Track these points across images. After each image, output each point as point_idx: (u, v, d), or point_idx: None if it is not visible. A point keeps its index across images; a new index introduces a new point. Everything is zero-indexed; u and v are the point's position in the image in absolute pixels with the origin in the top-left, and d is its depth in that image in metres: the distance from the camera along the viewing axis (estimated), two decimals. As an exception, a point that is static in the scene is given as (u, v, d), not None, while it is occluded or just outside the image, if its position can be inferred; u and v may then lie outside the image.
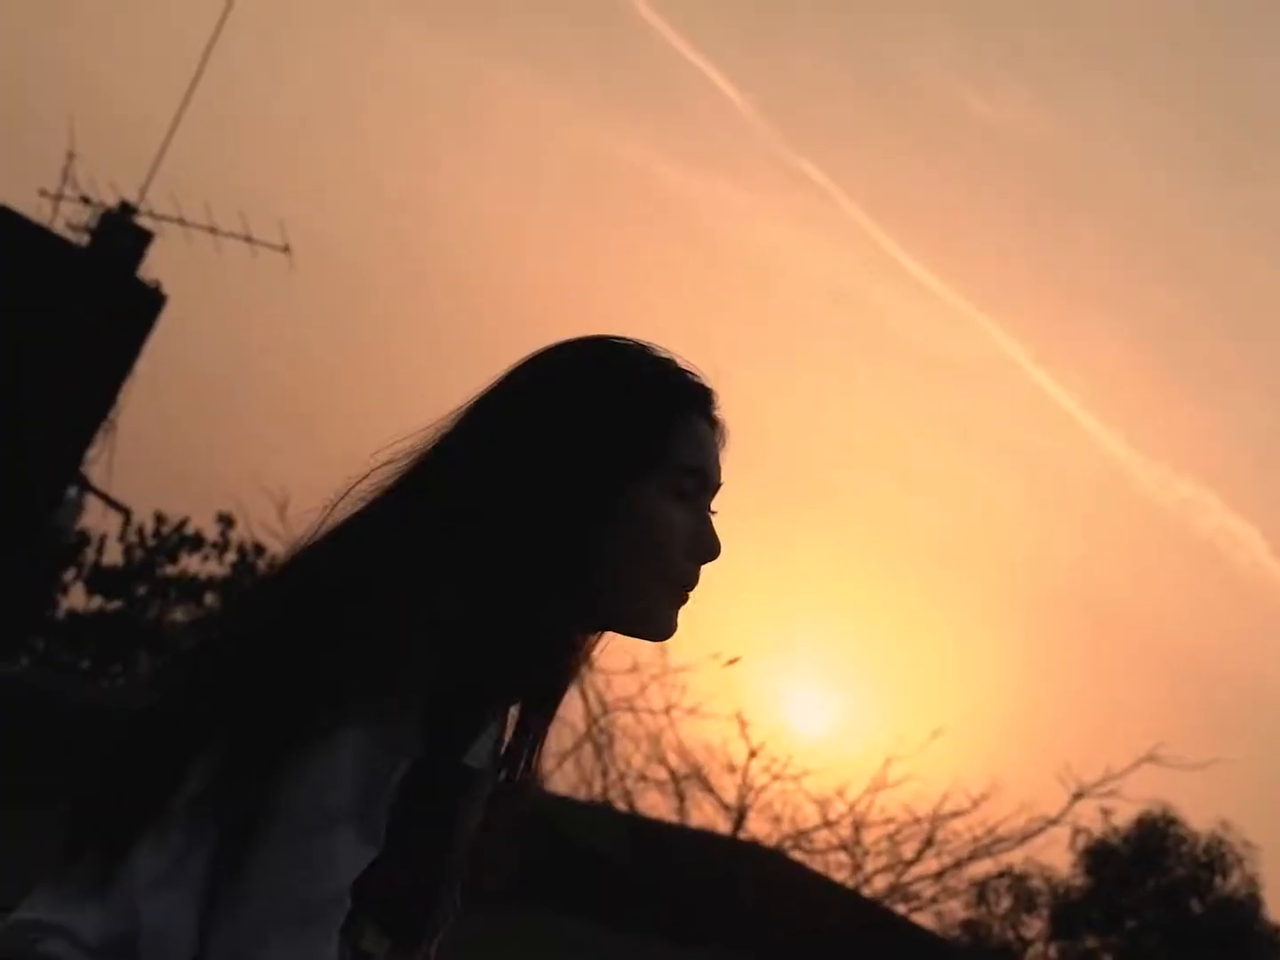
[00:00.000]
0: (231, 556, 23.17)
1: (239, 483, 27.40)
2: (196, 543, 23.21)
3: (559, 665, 1.95)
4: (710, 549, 1.92)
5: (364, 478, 1.92)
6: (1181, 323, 29.57)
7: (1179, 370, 29.78)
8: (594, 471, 1.86)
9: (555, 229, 28.56)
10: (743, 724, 22.09)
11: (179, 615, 23.11)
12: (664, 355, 1.95)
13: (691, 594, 1.93)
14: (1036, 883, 22.85)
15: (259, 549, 23.06)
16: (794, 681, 24.36)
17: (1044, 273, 29.40)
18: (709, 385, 1.97)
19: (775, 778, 22.72)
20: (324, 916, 1.70)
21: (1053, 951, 22.82)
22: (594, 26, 28.17)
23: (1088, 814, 22.99)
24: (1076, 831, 22.76)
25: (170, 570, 23.10)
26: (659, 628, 1.92)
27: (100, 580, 22.77)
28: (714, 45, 29.02)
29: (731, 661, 19.72)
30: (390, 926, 1.81)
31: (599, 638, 1.96)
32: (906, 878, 23.03)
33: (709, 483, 1.94)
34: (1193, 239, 28.68)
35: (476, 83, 27.40)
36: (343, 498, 1.91)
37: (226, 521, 23.21)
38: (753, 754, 22.12)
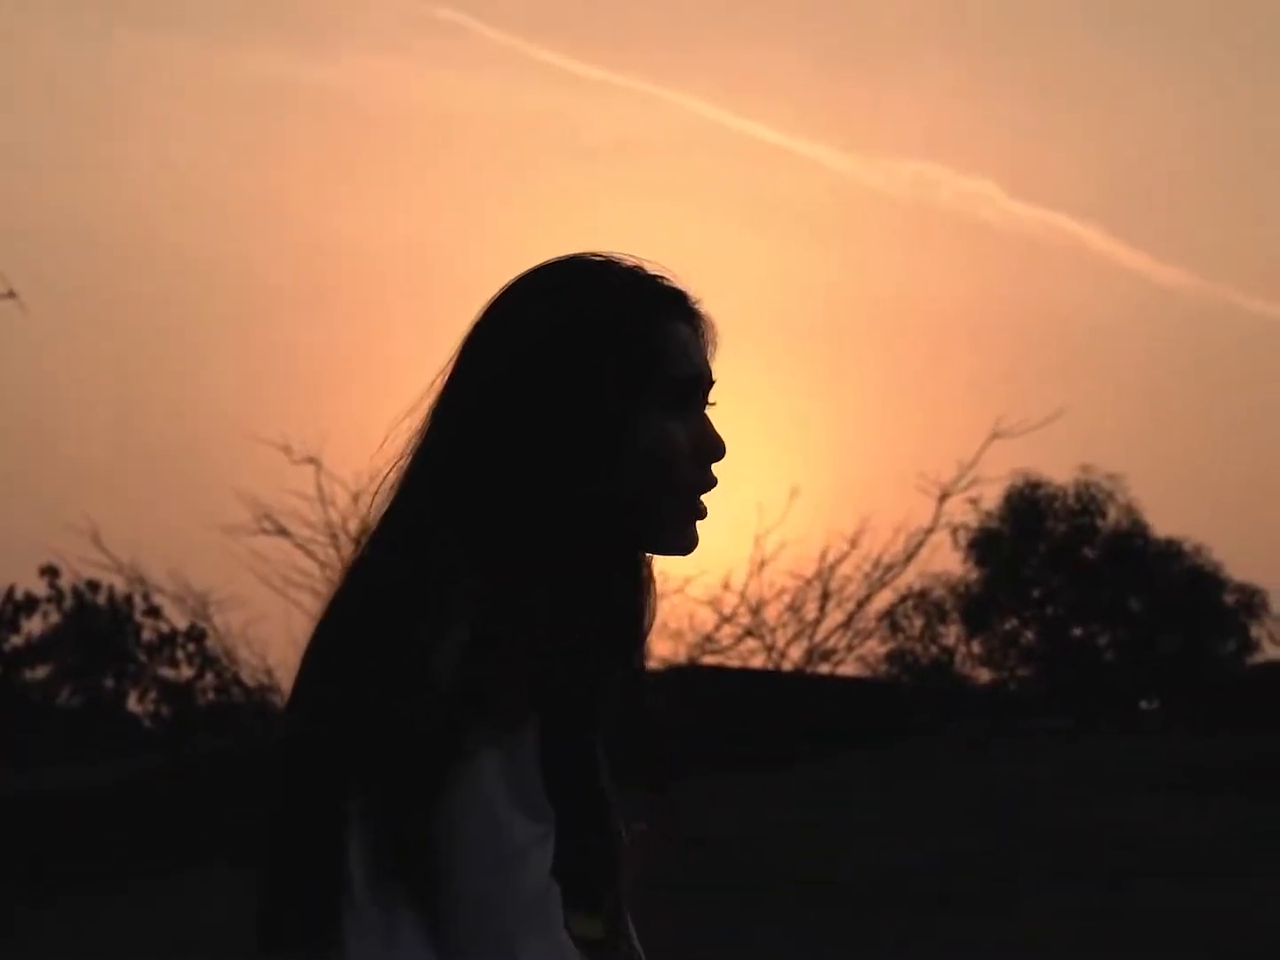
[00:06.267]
0: (69, 602, 23.13)
1: (47, 531, 27.08)
2: (30, 604, 23.10)
3: (626, 596, 1.96)
4: (714, 449, 1.93)
5: (372, 498, 1.94)
6: (850, 14, 29.72)
7: (863, 61, 29.90)
8: (593, 411, 1.87)
9: (246, 175, 28.25)
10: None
11: (39, 675, 23.13)
12: (630, 266, 1.95)
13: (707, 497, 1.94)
14: (939, 593, 23.14)
15: (92, 585, 23.04)
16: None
17: (711, 22, 29.38)
18: (679, 286, 1.96)
19: (660, 597, 22.88)
20: (544, 909, 1.75)
21: (976, 648, 23.22)
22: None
23: (959, 510, 23.16)
24: (954, 530, 23.00)
25: (16, 641, 23.01)
26: (682, 543, 1.93)
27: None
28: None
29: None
30: (589, 901, 1.84)
31: (649, 561, 1.98)
32: (818, 638, 23.35)
33: (701, 384, 1.95)
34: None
35: (122, 58, 26.97)
36: (368, 514, 1.94)
37: (52, 573, 23.14)
38: (630, 584, 22.23)
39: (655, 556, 1.97)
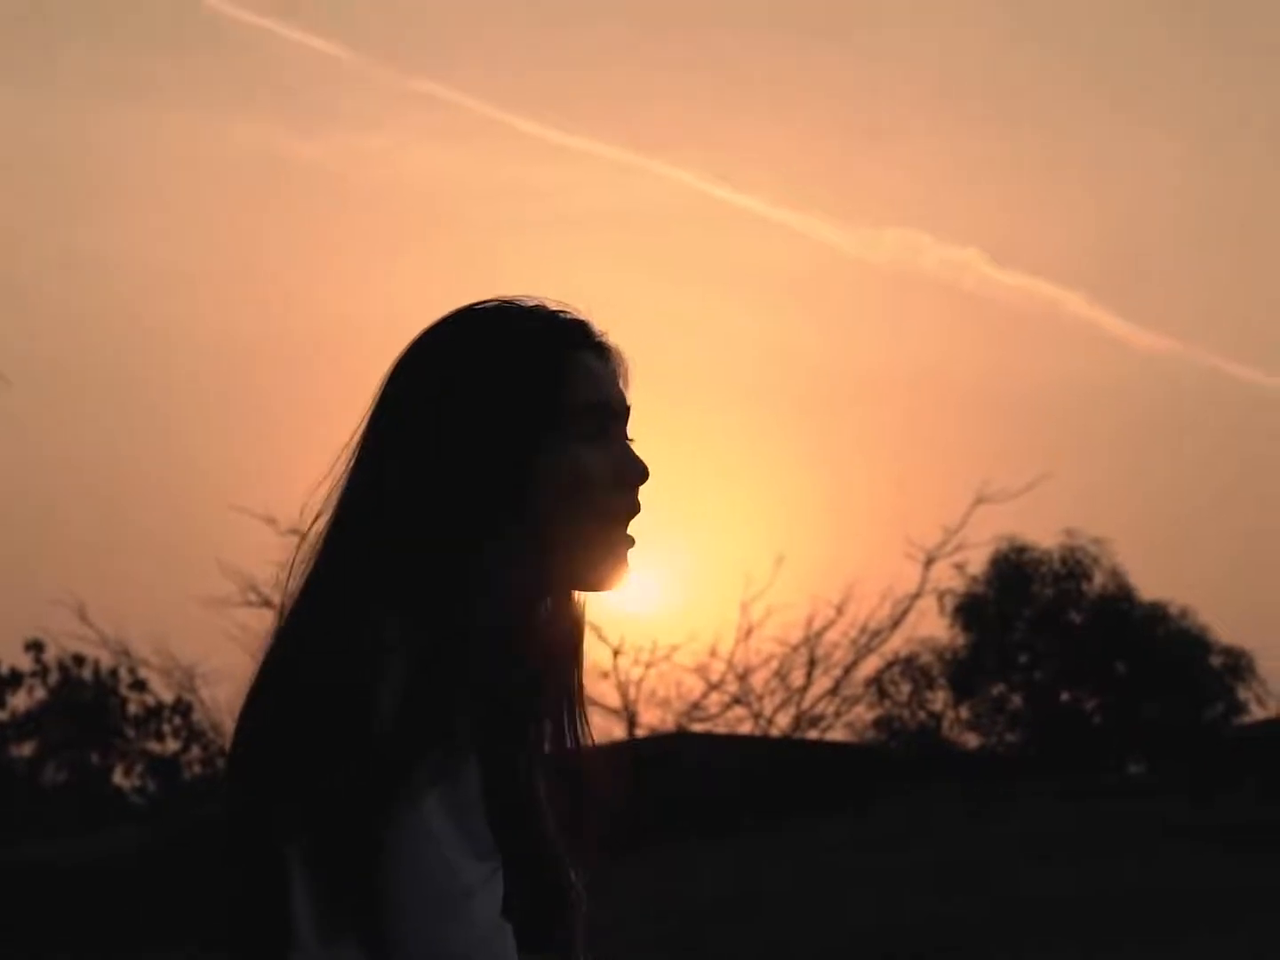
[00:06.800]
0: (54, 677, 23.09)
1: (32, 606, 27.02)
2: (16, 679, 23.05)
3: (556, 640, 1.94)
4: (636, 471, 1.91)
5: (301, 541, 1.94)
6: (832, 84, 29.90)
7: (846, 130, 30.03)
8: (501, 445, 1.85)
9: (231, 251, 28.33)
10: (594, 630, 22.21)
11: (25, 751, 23.03)
12: (530, 305, 1.93)
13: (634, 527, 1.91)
14: (925, 658, 23.08)
15: (78, 660, 22.99)
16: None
17: (694, 94, 29.55)
18: (583, 318, 1.95)
19: (648, 665, 22.92)
20: (493, 947, 1.75)
21: (964, 713, 23.15)
22: (169, 33, 27.91)
23: (945, 576, 23.18)
24: (941, 595, 22.98)
25: (1, 716, 22.96)
26: (610, 574, 1.90)
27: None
28: (289, 7, 28.79)
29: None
30: (539, 943, 1.83)
31: (581, 600, 1.96)
32: (805, 704, 23.34)
33: (613, 412, 1.92)
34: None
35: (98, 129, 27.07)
36: (290, 572, 1.92)
37: (37, 648, 23.10)
38: (617, 653, 22.33)
39: (590, 595, 1.95)
